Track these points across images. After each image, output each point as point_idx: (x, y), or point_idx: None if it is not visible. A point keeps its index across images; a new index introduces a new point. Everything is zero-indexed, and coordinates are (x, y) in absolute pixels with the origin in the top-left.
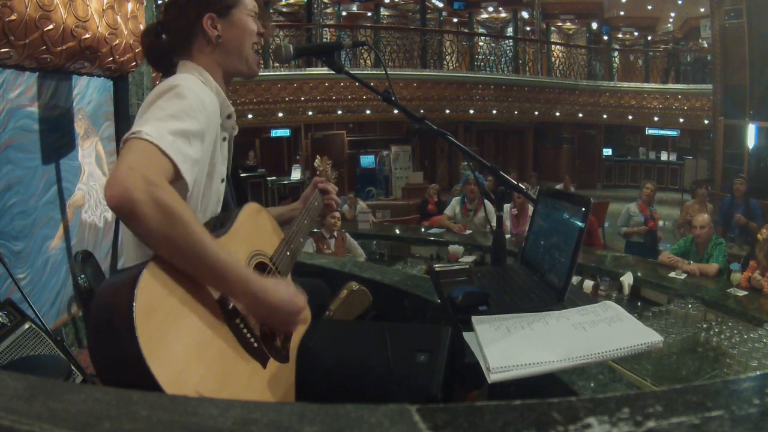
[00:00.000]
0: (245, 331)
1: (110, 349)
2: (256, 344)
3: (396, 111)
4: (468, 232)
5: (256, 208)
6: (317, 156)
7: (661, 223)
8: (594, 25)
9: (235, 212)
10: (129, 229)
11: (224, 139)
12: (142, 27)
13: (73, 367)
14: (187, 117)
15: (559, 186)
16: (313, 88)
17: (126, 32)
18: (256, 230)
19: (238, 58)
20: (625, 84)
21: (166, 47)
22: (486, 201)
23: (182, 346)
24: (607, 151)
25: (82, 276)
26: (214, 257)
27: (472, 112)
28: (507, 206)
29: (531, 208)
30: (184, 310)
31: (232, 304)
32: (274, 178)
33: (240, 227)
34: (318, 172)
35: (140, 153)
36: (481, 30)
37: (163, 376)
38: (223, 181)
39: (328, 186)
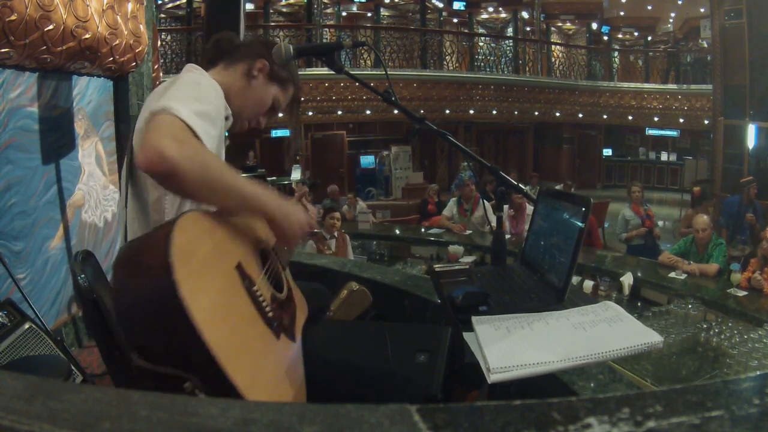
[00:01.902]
0: (261, 299)
1: (144, 292)
2: (271, 314)
3: (396, 111)
4: (468, 232)
5: None
6: (298, 181)
7: (660, 223)
8: (594, 25)
9: None
10: (167, 187)
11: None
12: (142, 27)
13: (73, 367)
14: (206, 101)
15: (558, 187)
16: (313, 88)
17: (126, 32)
18: (259, 220)
19: (242, 105)
20: (625, 84)
21: (226, 48)
22: (484, 200)
23: (212, 295)
24: (607, 152)
25: (82, 276)
26: (244, 184)
27: (472, 112)
28: (506, 207)
29: (529, 209)
30: (213, 265)
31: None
32: (274, 178)
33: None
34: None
35: (170, 124)
36: (481, 30)
37: (198, 317)
38: None
39: (310, 208)
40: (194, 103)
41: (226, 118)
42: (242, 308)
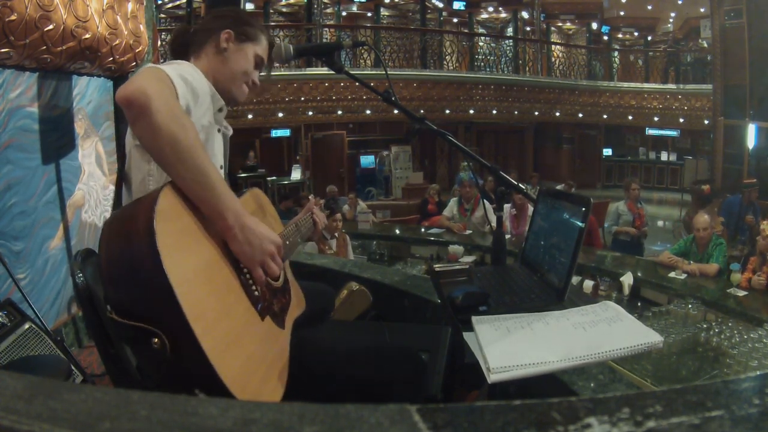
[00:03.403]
0: (248, 277)
1: (125, 243)
2: (257, 292)
3: (396, 111)
4: (468, 232)
5: (262, 193)
6: (309, 196)
7: (660, 223)
8: (594, 25)
9: (241, 191)
10: (136, 128)
11: (218, 130)
12: (142, 27)
13: (73, 367)
14: (187, 72)
15: (560, 187)
16: (313, 88)
17: (126, 32)
18: (261, 210)
19: (229, 78)
20: (625, 84)
21: (186, 40)
22: (484, 200)
23: (193, 259)
24: (607, 151)
25: (80, 275)
26: (212, 168)
27: (472, 112)
28: (506, 206)
29: (530, 209)
30: (197, 233)
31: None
32: (274, 178)
33: (247, 201)
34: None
35: (156, 72)
36: (481, 30)
37: (173, 273)
38: (221, 167)
39: (318, 219)
40: (176, 69)
41: (220, 110)
42: (224, 279)
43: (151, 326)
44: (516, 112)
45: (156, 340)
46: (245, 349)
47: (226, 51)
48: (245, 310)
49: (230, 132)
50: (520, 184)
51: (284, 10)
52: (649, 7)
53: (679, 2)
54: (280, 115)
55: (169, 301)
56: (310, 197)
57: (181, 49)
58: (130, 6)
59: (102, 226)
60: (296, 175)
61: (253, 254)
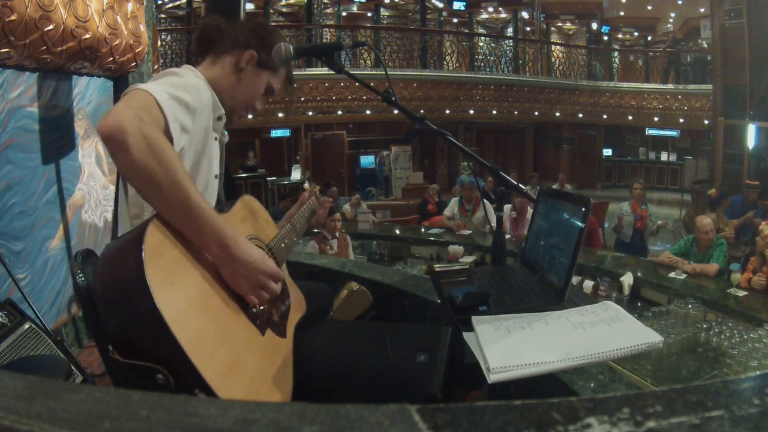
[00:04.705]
0: None
1: (117, 284)
2: (255, 309)
3: (396, 111)
4: (468, 232)
5: (254, 200)
6: (307, 180)
7: (660, 222)
8: (594, 25)
9: (232, 201)
10: (116, 162)
11: (215, 138)
12: (142, 27)
13: (73, 367)
14: (182, 89)
15: (555, 186)
16: (313, 88)
17: (126, 32)
18: (253, 218)
19: (235, 99)
20: (625, 84)
21: (215, 37)
22: (485, 200)
23: (186, 290)
24: (607, 151)
25: (80, 275)
26: (194, 200)
27: (472, 112)
28: (507, 207)
29: (530, 212)
30: (188, 262)
31: None
32: (274, 178)
33: (238, 211)
34: (308, 191)
35: (138, 98)
36: (481, 30)
37: (166, 310)
38: (216, 177)
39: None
40: (168, 87)
41: (219, 118)
42: (219, 303)
43: (153, 363)
44: (516, 112)
45: (160, 376)
46: (248, 369)
47: (243, 72)
48: (244, 329)
49: (226, 139)
50: (519, 185)
51: (284, 10)
52: (649, 7)
53: (679, 2)
54: (280, 115)
55: (167, 339)
56: (305, 185)
57: (202, 44)
58: (130, 6)
59: (98, 265)
60: (296, 175)
61: (242, 284)
